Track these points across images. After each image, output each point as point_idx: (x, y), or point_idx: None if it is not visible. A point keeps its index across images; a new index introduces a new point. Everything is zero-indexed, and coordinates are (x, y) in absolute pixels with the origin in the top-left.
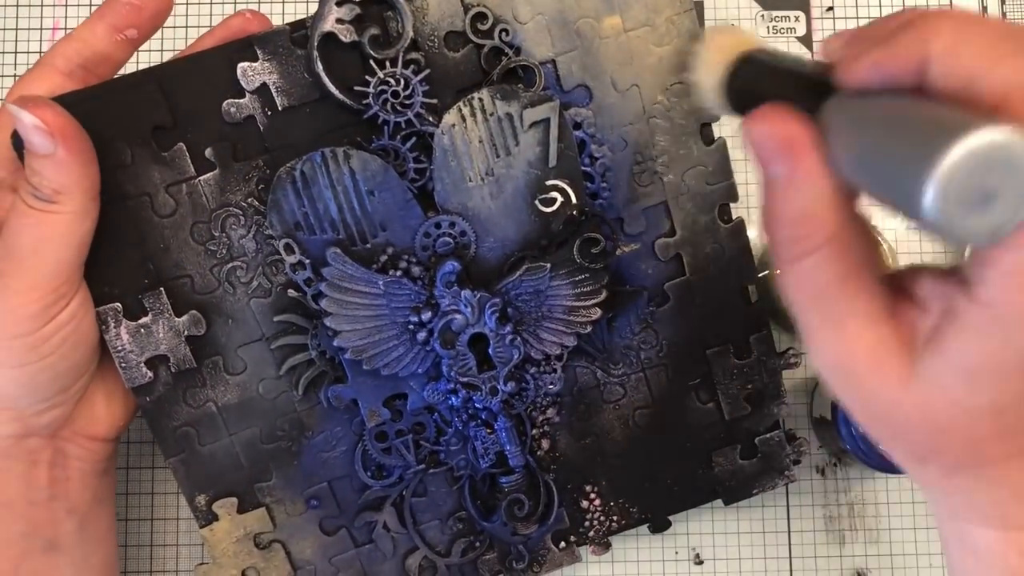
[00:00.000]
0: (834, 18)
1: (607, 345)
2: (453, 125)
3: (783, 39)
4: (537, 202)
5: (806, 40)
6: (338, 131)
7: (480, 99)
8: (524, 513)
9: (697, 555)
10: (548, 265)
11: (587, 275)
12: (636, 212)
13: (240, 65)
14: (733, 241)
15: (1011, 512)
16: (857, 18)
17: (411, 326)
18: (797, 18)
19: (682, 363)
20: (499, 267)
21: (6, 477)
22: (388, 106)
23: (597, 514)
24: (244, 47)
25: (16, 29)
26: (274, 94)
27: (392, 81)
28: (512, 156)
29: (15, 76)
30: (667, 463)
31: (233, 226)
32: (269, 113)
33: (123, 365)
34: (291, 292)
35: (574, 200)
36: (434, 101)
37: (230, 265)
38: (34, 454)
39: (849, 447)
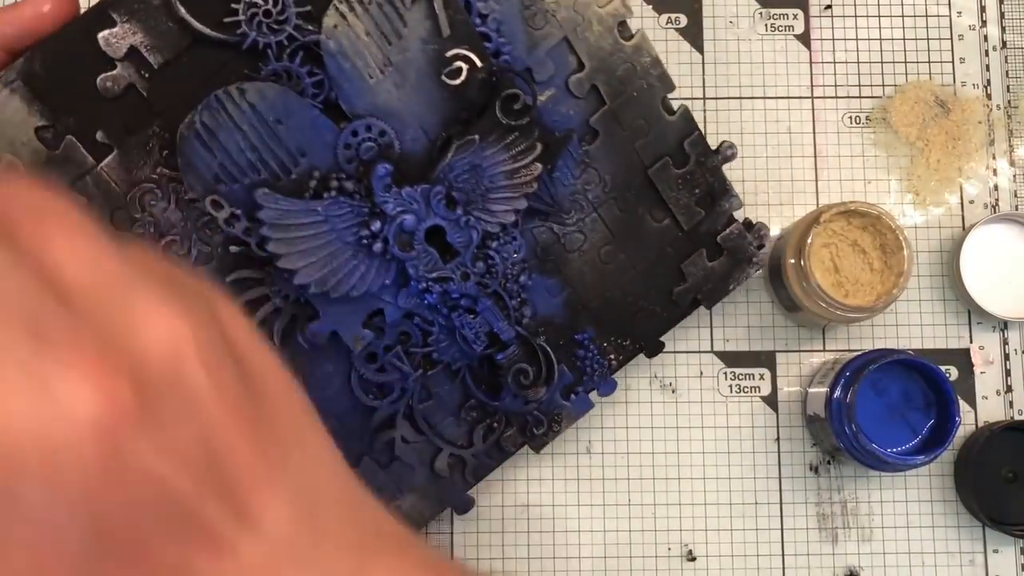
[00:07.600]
0: (832, 16)
1: (555, 198)
2: (335, 26)
3: (781, 37)
4: (444, 77)
5: (804, 38)
6: (223, 71)
7: None
8: (530, 380)
9: (690, 551)
10: (476, 137)
11: (516, 134)
12: (540, 57)
13: (100, 35)
14: (640, 55)
15: None
16: (855, 16)
17: (364, 240)
18: (795, 16)
19: (628, 190)
20: (428, 155)
21: None
22: (264, 28)
23: (595, 358)
24: (98, 15)
25: None
26: (145, 54)
27: (259, 1)
28: (404, 39)
29: None
30: (643, 290)
31: (152, 202)
32: (147, 75)
33: None
34: (233, 248)
35: (479, 64)
36: (307, 8)
37: (163, 242)
38: None
39: (842, 445)
